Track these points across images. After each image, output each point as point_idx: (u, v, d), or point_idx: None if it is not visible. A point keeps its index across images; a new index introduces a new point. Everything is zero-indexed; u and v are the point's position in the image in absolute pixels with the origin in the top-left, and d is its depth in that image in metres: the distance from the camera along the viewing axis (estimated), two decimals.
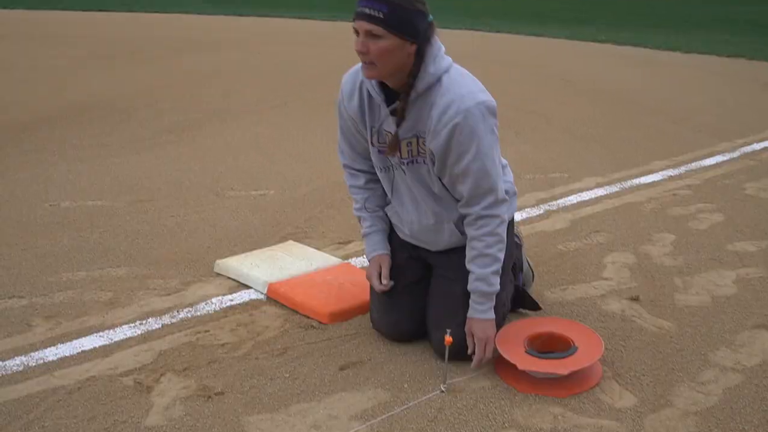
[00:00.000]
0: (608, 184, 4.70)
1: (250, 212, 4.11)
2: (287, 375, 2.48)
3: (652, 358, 2.59)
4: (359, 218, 2.75)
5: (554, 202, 4.32)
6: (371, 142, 2.54)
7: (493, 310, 2.49)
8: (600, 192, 4.52)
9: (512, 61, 10.75)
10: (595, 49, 12.91)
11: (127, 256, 3.49)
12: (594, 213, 4.13)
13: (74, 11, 19.99)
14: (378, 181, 2.70)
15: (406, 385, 2.42)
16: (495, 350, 2.49)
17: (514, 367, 2.42)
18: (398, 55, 2.29)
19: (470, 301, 2.50)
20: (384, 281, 2.63)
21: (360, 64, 2.43)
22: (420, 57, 2.32)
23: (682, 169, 5.06)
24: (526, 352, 2.47)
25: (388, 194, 2.68)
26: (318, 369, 2.52)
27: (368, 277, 2.69)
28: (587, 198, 4.41)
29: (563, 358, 2.44)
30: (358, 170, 2.72)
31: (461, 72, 2.43)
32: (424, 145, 2.42)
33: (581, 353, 2.46)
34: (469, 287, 2.50)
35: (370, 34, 2.26)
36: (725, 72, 10.00)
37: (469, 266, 2.49)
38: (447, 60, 2.40)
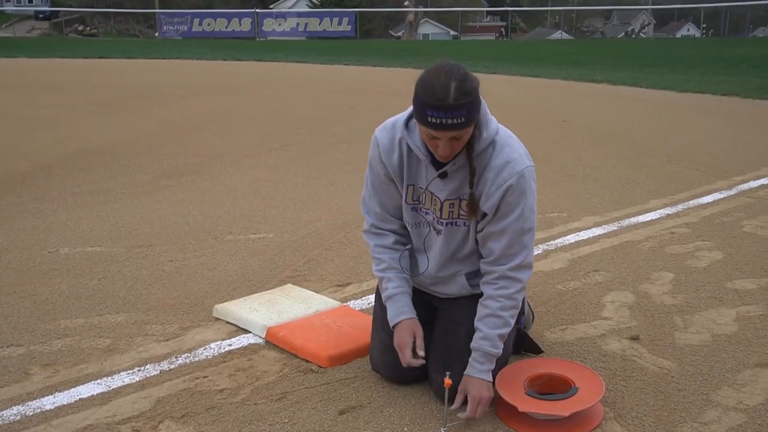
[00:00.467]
0: (606, 223, 4.71)
1: (248, 256, 4.12)
2: (286, 420, 2.46)
3: (654, 398, 2.57)
4: (382, 278, 2.62)
5: (553, 242, 4.32)
6: (405, 200, 2.54)
7: (491, 373, 2.46)
8: (598, 231, 4.53)
9: (509, 102, 10.84)
10: (591, 89, 13.04)
11: (125, 302, 3.48)
12: (592, 252, 4.13)
13: (74, 59, 20.21)
14: (405, 242, 2.66)
15: (406, 429, 2.40)
16: (495, 394, 2.47)
17: (514, 408, 2.40)
18: (469, 135, 2.33)
19: (470, 359, 2.47)
20: (420, 353, 2.49)
21: (395, 120, 2.49)
22: (477, 123, 2.35)
23: (680, 207, 5.07)
24: (526, 393, 2.46)
25: (414, 246, 2.65)
26: (317, 413, 2.50)
27: (400, 346, 2.50)
28: (586, 237, 4.41)
29: (564, 399, 2.43)
30: (387, 230, 2.63)
31: (507, 132, 2.48)
32: (467, 204, 2.43)
33: (582, 394, 2.44)
34: (473, 344, 2.48)
35: (453, 138, 2.27)
36: (720, 110, 10.09)
37: (477, 324, 2.48)
38: (493, 120, 2.44)
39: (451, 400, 2.40)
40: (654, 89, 12.64)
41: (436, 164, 2.42)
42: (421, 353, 2.48)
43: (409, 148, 2.45)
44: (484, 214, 2.44)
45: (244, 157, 7.00)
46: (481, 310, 2.48)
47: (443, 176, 2.42)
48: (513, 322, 2.49)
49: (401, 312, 2.55)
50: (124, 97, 11.64)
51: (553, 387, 2.52)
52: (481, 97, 2.31)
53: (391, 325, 2.56)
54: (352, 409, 2.53)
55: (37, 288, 3.65)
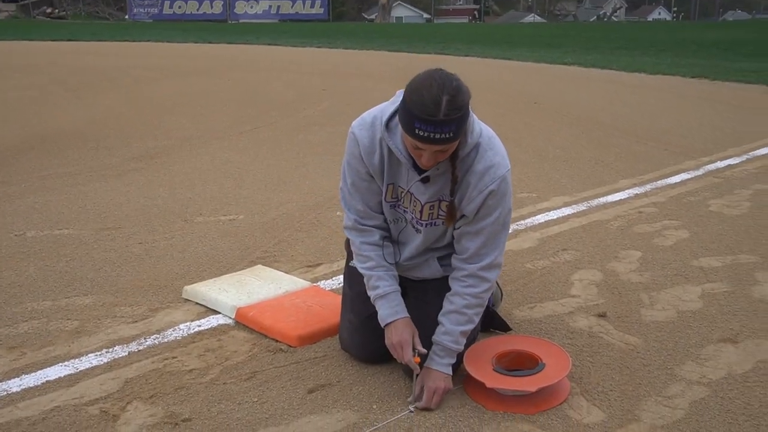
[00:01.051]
0: (576, 203, 4.74)
1: (218, 237, 4.10)
2: (255, 399, 2.46)
3: (620, 374, 2.60)
4: (371, 276, 2.54)
5: (522, 222, 4.35)
6: (385, 198, 2.51)
7: (451, 367, 2.46)
8: (567, 211, 4.57)
9: (481, 85, 10.85)
10: (563, 71, 13.10)
11: (93, 284, 3.45)
12: (561, 232, 4.17)
13: (42, 41, 19.91)
14: (388, 236, 2.60)
15: (375, 406, 2.41)
16: (463, 371, 2.49)
17: (482, 385, 2.42)
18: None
19: (431, 351, 2.47)
20: (421, 350, 2.43)
21: (374, 117, 2.41)
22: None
23: (648, 187, 5.12)
24: (494, 369, 2.48)
25: (393, 237, 2.63)
26: (286, 392, 2.50)
27: (401, 344, 2.42)
28: (555, 217, 4.45)
29: (531, 375, 2.45)
30: (371, 226, 2.55)
31: (490, 133, 2.45)
32: (446, 208, 2.42)
33: (549, 370, 2.47)
34: (434, 338, 2.47)
35: (439, 151, 2.23)
36: (690, 93, 10.19)
37: (441, 318, 2.48)
38: (477, 123, 2.40)
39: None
40: (625, 72, 12.74)
41: (418, 168, 2.37)
42: (423, 350, 2.44)
43: (390, 149, 2.39)
44: (463, 215, 2.43)
45: (215, 139, 6.95)
46: (446, 306, 2.48)
47: (425, 181, 2.39)
48: (477, 320, 2.50)
49: (396, 311, 2.48)
50: (93, 80, 11.49)
51: (520, 363, 2.54)
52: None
53: (384, 323, 2.49)
54: (322, 388, 2.53)
55: (3, 271, 3.61)
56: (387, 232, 2.59)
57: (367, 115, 2.46)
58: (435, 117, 2.13)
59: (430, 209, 2.45)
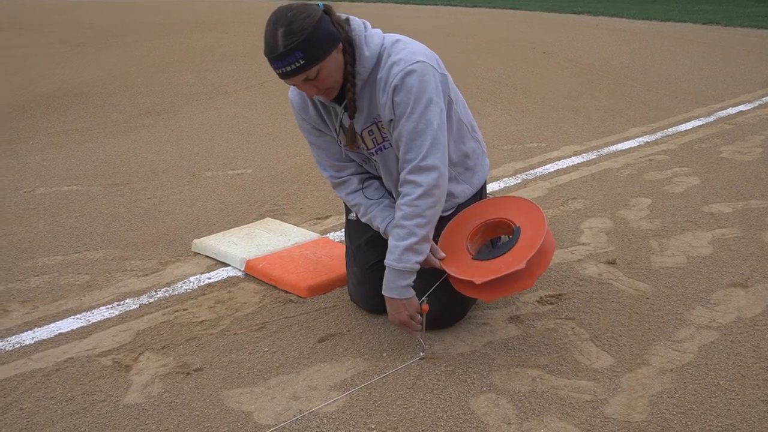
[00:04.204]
0: (585, 152, 4.71)
1: (227, 191, 4.10)
2: (266, 349, 2.48)
3: (629, 319, 2.60)
4: (370, 221, 2.51)
5: (532, 171, 4.32)
6: (341, 144, 2.49)
7: (408, 289, 2.30)
8: (577, 160, 4.53)
9: (489, 35, 10.74)
10: (572, 20, 12.91)
11: (104, 239, 3.47)
12: (571, 180, 4.14)
13: None
14: (368, 177, 2.60)
15: (384, 354, 2.43)
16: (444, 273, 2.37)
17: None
18: (337, 67, 2.24)
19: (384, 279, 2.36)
20: (441, 254, 2.39)
21: None
22: (350, 47, 2.26)
23: (659, 134, 5.07)
24: (473, 258, 2.35)
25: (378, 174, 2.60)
26: (296, 342, 2.52)
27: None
28: (564, 166, 4.42)
29: (512, 248, 2.29)
30: (348, 175, 2.57)
31: (395, 38, 2.35)
32: (384, 128, 2.37)
33: (527, 232, 2.32)
34: (386, 260, 2.34)
35: (306, 79, 2.21)
36: (701, 39, 10.03)
37: (387, 236, 2.40)
38: (378, 36, 2.33)
39: (429, 325, 2.42)
40: (635, 19, 12.53)
41: (339, 102, 2.36)
42: (441, 254, 2.37)
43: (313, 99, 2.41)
44: (390, 122, 2.33)
45: (222, 94, 6.91)
46: (391, 221, 2.41)
47: (353, 110, 2.34)
48: (422, 232, 2.27)
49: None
50: (97, 37, 11.41)
51: (495, 232, 2.43)
52: (338, 18, 2.23)
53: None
54: (332, 337, 2.55)
55: (14, 227, 3.62)
56: (365, 173, 2.60)
57: None
58: (276, 52, 2.16)
59: (370, 134, 2.40)
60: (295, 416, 2.11)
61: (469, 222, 2.47)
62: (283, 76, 2.21)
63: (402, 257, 2.28)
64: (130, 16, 14.82)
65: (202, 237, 3.36)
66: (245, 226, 3.47)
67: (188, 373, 2.34)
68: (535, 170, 4.35)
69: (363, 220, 2.57)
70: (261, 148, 4.99)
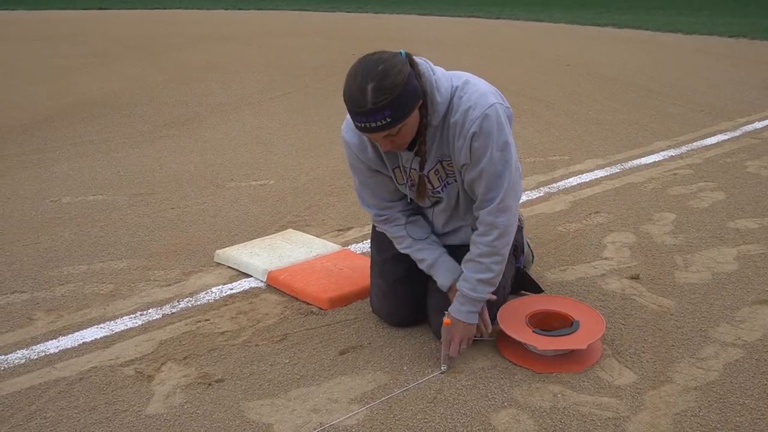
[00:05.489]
0: (609, 165, 4.68)
1: (250, 202, 4.12)
2: (287, 361, 2.48)
3: (652, 336, 2.58)
4: (415, 254, 2.56)
5: (554, 185, 4.31)
6: (398, 182, 2.49)
7: (474, 315, 2.42)
8: (600, 173, 4.51)
9: (513, 47, 10.73)
10: (596, 32, 12.87)
11: (128, 248, 3.50)
12: (594, 194, 4.12)
13: (74, 10, 20.01)
14: (413, 212, 2.60)
15: (405, 368, 2.42)
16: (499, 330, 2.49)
17: (516, 343, 2.43)
18: (415, 121, 2.22)
19: (454, 299, 2.45)
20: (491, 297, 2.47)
21: None
22: (424, 98, 2.23)
23: (684, 149, 5.04)
24: (533, 331, 2.47)
25: (420, 211, 2.64)
26: (317, 354, 2.52)
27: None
28: (588, 179, 4.39)
29: (571, 333, 2.45)
30: (393, 213, 2.57)
31: (462, 79, 2.35)
32: (450, 166, 2.39)
33: (585, 327, 2.47)
34: (457, 284, 2.45)
35: (388, 135, 2.19)
36: (728, 53, 9.95)
37: (462, 264, 2.47)
38: (446, 78, 2.31)
39: None
40: (661, 32, 12.47)
41: (409, 144, 2.33)
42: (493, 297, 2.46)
43: None
44: (464, 165, 2.36)
45: (246, 105, 6.96)
46: (467, 254, 2.46)
47: (419, 154, 2.35)
48: (497, 269, 2.40)
49: (452, 275, 2.50)
50: (124, 48, 11.54)
51: (550, 323, 2.53)
52: (420, 70, 2.20)
53: (445, 289, 2.52)
54: (353, 350, 2.55)
55: (40, 236, 3.67)
56: (410, 211, 2.59)
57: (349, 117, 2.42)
58: (364, 107, 2.09)
59: (436, 174, 2.42)
60: (315, 429, 2.11)
61: (530, 305, 2.64)
62: (365, 130, 2.16)
63: (477, 288, 2.40)
64: (156, 28, 14.98)
65: (224, 247, 3.38)
66: (267, 237, 3.49)
67: (209, 384, 2.35)
68: (558, 183, 4.33)
69: (404, 251, 2.58)
70: (284, 159, 5.01)
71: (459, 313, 2.42)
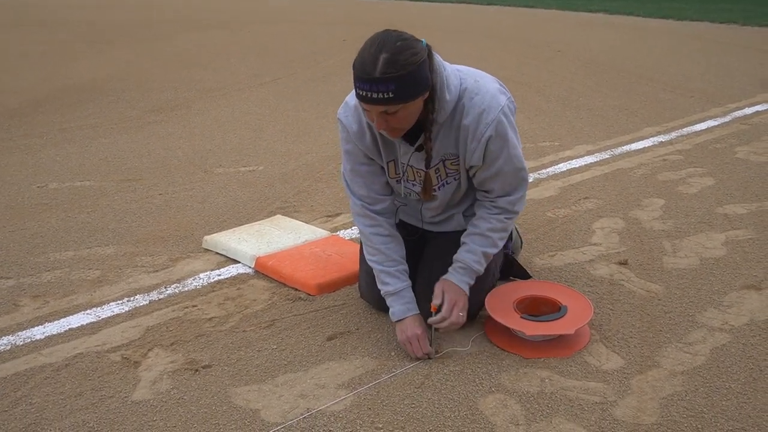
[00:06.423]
0: (598, 151, 4.68)
1: (238, 188, 4.10)
2: (274, 346, 2.48)
3: (640, 321, 2.58)
4: (380, 272, 2.47)
5: (544, 171, 4.30)
6: (389, 175, 2.47)
7: (468, 286, 2.44)
8: (590, 159, 4.51)
9: (504, 33, 10.70)
10: (587, 18, 12.84)
11: (115, 234, 3.48)
12: (583, 180, 4.12)
13: None
14: (395, 224, 2.57)
15: (393, 353, 2.42)
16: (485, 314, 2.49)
17: (504, 330, 2.42)
18: (416, 111, 2.19)
19: (451, 267, 2.45)
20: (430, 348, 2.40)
21: (354, 97, 2.30)
22: (432, 92, 2.21)
23: (673, 134, 5.03)
24: (521, 317, 2.47)
25: (409, 206, 2.63)
26: (305, 340, 2.51)
27: (417, 337, 2.37)
28: (577, 165, 4.39)
29: (558, 319, 2.45)
30: (379, 213, 2.50)
31: (473, 77, 2.32)
32: (453, 165, 2.38)
33: (573, 312, 2.47)
34: (457, 256, 2.45)
35: (385, 113, 2.15)
36: (719, 38, 9.95)
37: (464, 239, 2.46)
38: (455, 76, 2.29)
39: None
40: (652, 18, 12.45)
41: (410, 139, 2.32)
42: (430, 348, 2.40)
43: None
44: (471, 166, 2.38)
45: (235, 90, 6.92)
46: (470, 229, 2.46)
47: (420, 149, 2.34)
48: (500, 246, 2.47)
49: (408, 309, 2.43)
50: (112, 34, 11.45)
51: (538, 308, 2.53)
52: (434, 61, 2.18)
53: (395, 319, 2.44)
54: (341, 335, 2.54)
55: (27, 222, 3.64)
56: (392, 218, 2.54)
57: (350, 98, 2.41)
58: (370, 75, 2.06)
59: (436, 172, 2.41)
60: (302, 414, 2.10)
61: (518, 290, 2.64)
62: (364, 99, 2.12)
63: (480, 260, 2.44)
64: (145, 13, 14.87)
65: (212, 233, 3.36)
66: (256, 223, 3.47)
67: (196, 370, 2.34)
68: (548, 169, 4.33)
69: (370, 263, 2.51)
70: (273, 144, 4.99)
71: (459, 281, 2.43)
